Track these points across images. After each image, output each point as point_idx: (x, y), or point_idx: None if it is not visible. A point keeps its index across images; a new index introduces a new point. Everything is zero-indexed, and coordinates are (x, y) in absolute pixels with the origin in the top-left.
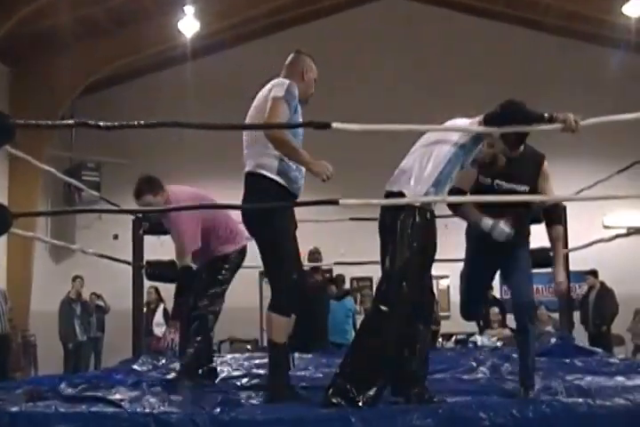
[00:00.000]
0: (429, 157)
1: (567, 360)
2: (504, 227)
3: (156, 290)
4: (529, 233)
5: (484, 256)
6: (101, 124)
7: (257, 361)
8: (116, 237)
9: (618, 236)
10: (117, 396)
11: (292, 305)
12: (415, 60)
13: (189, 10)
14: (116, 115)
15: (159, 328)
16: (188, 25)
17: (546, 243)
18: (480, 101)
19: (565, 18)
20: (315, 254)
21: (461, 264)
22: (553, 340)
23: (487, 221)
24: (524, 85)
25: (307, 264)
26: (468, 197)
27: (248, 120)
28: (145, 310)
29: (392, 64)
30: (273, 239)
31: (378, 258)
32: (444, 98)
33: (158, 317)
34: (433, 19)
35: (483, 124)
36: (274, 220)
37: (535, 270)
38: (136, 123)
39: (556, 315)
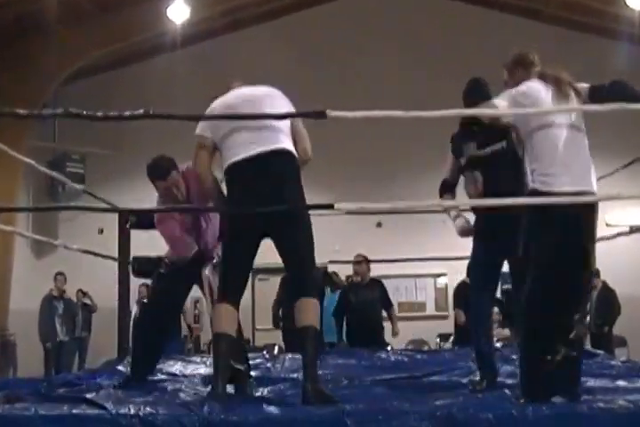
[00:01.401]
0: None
1: None
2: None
3: (147, 288)
4: None
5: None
6: (84, 112)
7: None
8: (101, 231)
9: (620, 234)
10: (101, 397)
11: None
12: (411, 50)
13: None
14: (103, 104)
15: None
16: (178, 11)
17: None
18: None
19: (567, 8)
20: None
21: (459, 262)
22: None
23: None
24: None
25: None
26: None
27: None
28: (135, 308)
29: (388, 54)
30: (309, 225)
31: (372, 254)
32: (438, 87)
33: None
34: (430, 7)
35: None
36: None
37: None
38: (124, 114)
39: None
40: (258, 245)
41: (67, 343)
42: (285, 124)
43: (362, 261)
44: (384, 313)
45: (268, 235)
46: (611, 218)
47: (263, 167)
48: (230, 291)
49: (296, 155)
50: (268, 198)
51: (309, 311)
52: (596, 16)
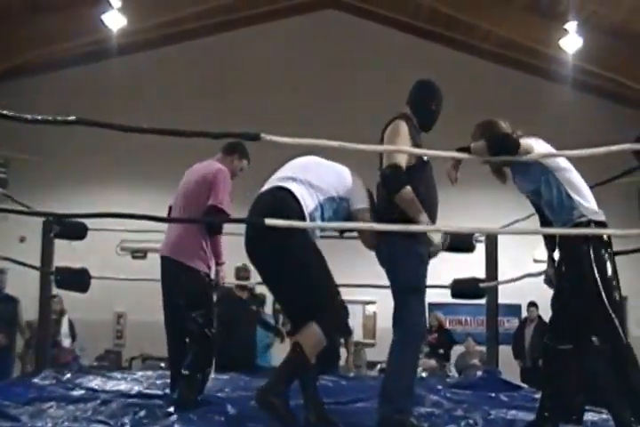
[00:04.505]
0: None
1: (492, 394)
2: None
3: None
4: None
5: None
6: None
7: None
8: (22, 239)
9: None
10: (14, 410)
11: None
12: (340, 79)
13: (116, 3)
14: (30, 108)
15: (67, 340)
16: (114, 19)
17: (473, 273)
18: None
19: (503, 46)
20: (242, 271)
21: (389, 290)
22: (479, 373)
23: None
24: (461, 110)
25: (233, 282)
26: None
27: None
28: None
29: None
30: (296, 260)
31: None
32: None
33: (64, 327)
34: (367, 34)
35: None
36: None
37: (464, 301)
38: (56, 118)
39: (483, 348)
40: None
41: None
42: (309, 175)
43: None
44: None
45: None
46: (539, 253)
47: (255, 204)
48: None
49: (299, 197)
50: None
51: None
52: (530, 55)
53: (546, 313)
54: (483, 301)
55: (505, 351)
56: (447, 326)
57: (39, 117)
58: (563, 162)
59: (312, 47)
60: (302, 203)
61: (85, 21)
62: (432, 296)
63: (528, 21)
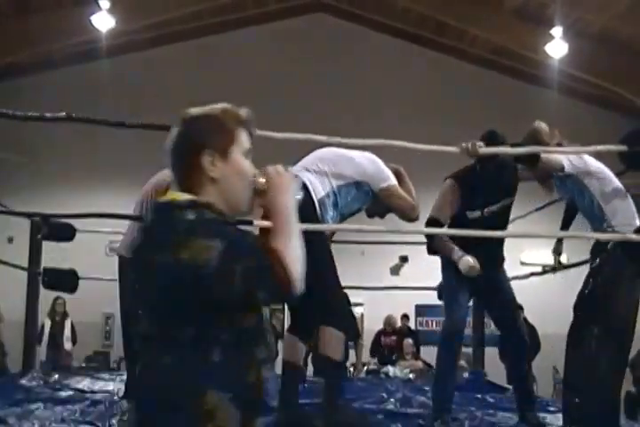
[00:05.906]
0: None
1: (479, 396)
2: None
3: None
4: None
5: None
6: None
7: None
8: (10, 240)
9: (533, 274)
10: (1, 411)
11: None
12: (335, 81)
13: (104, 5)
14: (18, 109)
15: (68, 343)
16: (102, 20)
17: None
18: (406, 125)
19: (490, 50)
20: None
21: (376, 292)
22: (465, 375)
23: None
24: (448, 113)
25: None
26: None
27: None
28: (51, 322)
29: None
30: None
31: None
32: (368, 119)
33: (67, 331)
34: (357, 38)
35: None
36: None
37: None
38: (46, 115)
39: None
40: None
41: None
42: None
43: None
44: None
45: None
46: (525, 256)
47: None
48: None
49: (307, 183)
50: None
51: (324, 341)
52: (517, 60)
53: (531, 316)
54: (469, 303)
55: (491, 353)
56: (423, 327)
57: (30, 114)
58: (600, 173)
59: (301, 50)
60: (311, 189)
61: (74, 23)
62: (419, 298)
63: (515, 27)
